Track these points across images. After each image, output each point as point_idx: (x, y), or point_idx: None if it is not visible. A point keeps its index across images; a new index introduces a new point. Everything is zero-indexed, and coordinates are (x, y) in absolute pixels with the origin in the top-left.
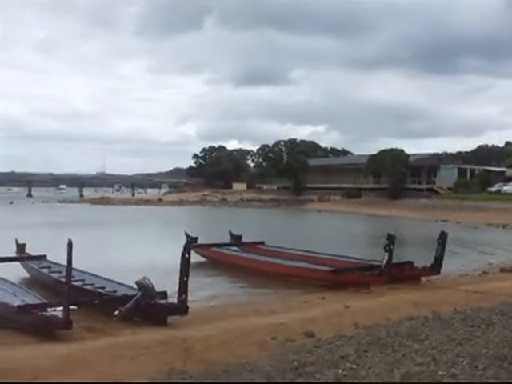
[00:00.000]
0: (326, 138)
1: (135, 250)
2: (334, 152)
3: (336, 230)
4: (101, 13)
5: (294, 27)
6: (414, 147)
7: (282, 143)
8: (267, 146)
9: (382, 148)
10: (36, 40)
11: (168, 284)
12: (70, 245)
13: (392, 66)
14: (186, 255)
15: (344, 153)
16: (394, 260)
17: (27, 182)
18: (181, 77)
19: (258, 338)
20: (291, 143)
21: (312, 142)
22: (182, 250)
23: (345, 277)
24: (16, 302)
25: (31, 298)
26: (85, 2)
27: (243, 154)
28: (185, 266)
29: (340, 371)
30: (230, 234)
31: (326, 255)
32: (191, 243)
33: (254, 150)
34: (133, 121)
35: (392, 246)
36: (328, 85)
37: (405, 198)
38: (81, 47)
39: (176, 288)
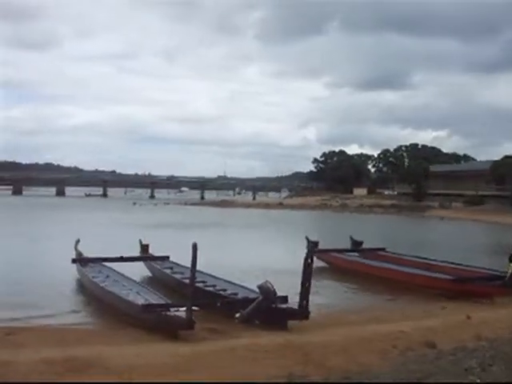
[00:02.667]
0: (448, 142)
1: (255, 253)
2: (456, 158)
3: (459, 238)
4: (224, 19)
5: (416, 30)
6: None
7: (404, 148)
8: (388, 150)
9: (506, 153)
10: (161, 47)
11: (287, 287)
12: (194, 247)
13: None
14: (309, 260)
15: (466, 158)
16: None
17: (150, 183)
18: (302, 81)
19: (378, 345)
20: (413, 148)
21: (433, 148)
22: (303, 254)
23: (466, 286)
24: (140, 301)
25: (155, 298)
26: (208, 9)
27: (364, 158)
28: (307, 272)
29: None
30: (351, 239)
31: (447, 263)
32: (313, 248)
33: (375, 154)
34: (254, 124)
35: None
36: (450, 88)
37: None
38: (204, 53)
39: (295, 291)
